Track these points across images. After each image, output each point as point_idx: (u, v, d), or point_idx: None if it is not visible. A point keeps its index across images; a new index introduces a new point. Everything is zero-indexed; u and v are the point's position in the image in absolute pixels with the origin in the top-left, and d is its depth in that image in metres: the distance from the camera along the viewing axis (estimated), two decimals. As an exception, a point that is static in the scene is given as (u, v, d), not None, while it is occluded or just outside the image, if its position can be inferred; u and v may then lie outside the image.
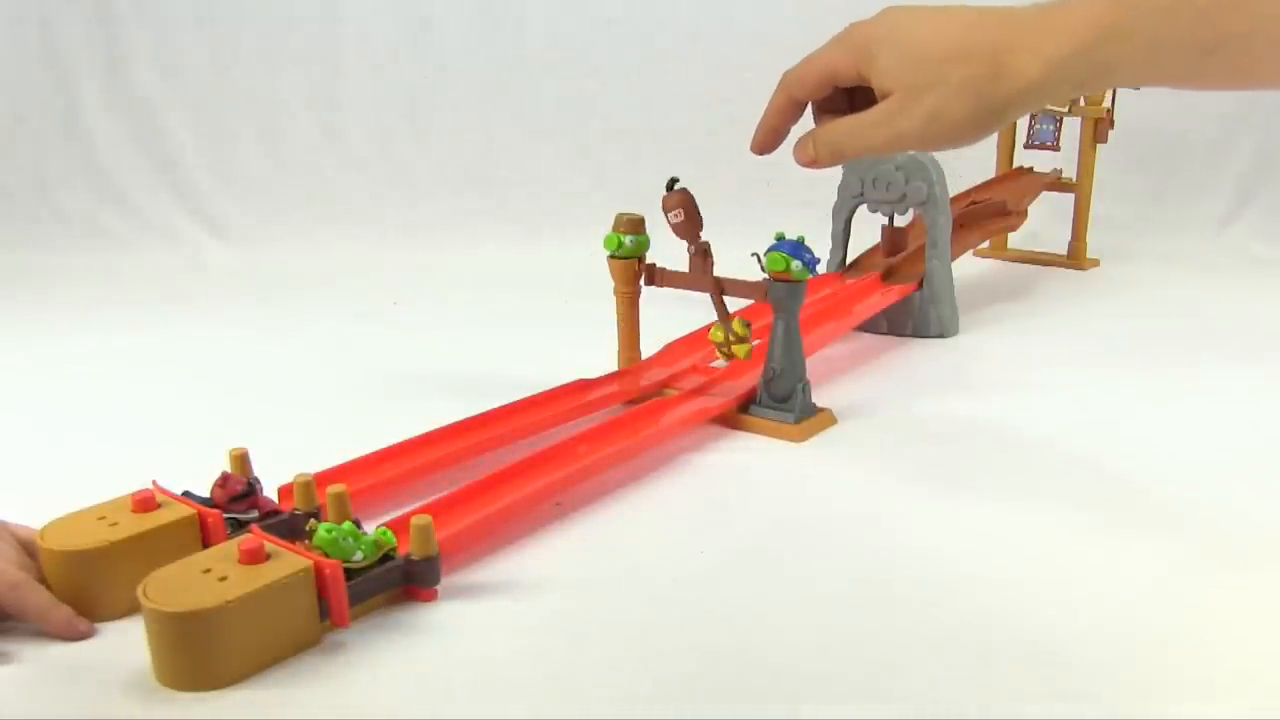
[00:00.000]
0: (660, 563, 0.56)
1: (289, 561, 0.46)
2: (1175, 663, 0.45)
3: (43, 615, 0.47)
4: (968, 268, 1.27)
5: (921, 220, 1.01)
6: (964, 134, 0.49)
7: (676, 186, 0.71)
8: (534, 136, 1.63)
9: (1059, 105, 0.46)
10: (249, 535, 0.47)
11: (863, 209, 1.04)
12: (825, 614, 0.50)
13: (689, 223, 0.72)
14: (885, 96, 0.49)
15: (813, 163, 0.53)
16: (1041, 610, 0.50)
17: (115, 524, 0.50)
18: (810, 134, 0.53)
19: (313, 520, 0.52)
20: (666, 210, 0.71)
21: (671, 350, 0.85)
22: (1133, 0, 0.45)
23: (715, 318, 0.75)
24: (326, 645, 0.47)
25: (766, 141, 0.55)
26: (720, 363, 0.81)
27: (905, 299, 0.98)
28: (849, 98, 0.52)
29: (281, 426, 0.76)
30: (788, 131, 0.55)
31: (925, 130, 0.48)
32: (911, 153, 1.00)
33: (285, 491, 0.57)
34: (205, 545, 0.51)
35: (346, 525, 0.49)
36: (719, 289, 0.74)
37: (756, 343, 0.76)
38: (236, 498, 0.53)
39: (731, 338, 0.74)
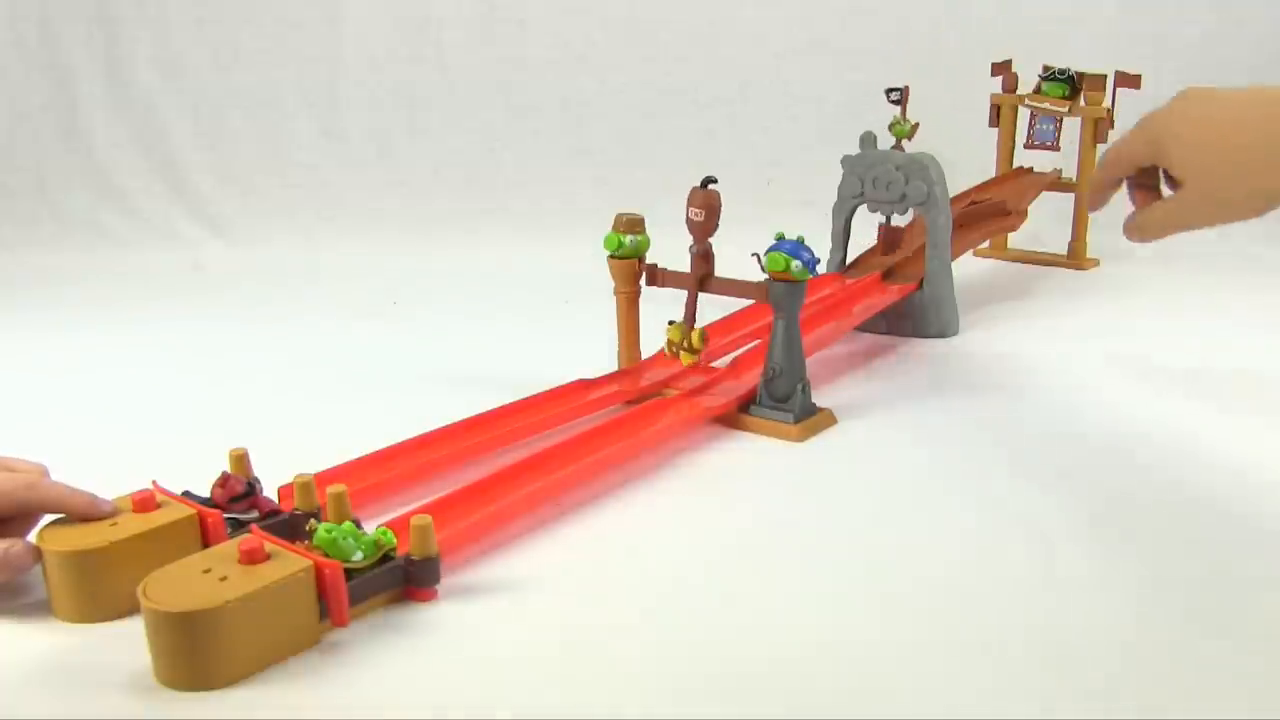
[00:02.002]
0: (660, 563, 0.56)
1: (289, 561, 0.46)
2: (1176, 663, 0.45)
3: (64, 503, 0.50)
4: (968, 268, 1.27)
5: (922, 220, 1.01)
6: (1249, 211, 0.54)
7: (710, 186, 0.71)
8: (534, 136, 1.63)
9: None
10: (249, 535, 0.47)
11: (863, 209, 1.04)
12: (825, 614, 0.50)
13: (705, 224, 0.72)
14: (1181, 184, 0.55)
15: (1142, 240, 0.60)
16: (1041, 610, 0.50)
17: (115, 524, 0.50)
18: (1134, 221, 0.60)
19: (313, 520, 0.52)
20: (690, 205, 0.72)
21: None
22: None
23: (716, 318, 0.75)
24: (326, 645, 0.47)
25: (1096, 205, 0.64)
26: (720, 363, 0.82)
27: (905, 299, 0.98)
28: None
29: (281, 426, 0.76)
30: (1110, 197, 0.63)
31: (1215, 216, 0.55)
32: (911, 152, 1.00)
33: (285, 491, 0.57)
34: (205, 545, 0.51)
35: (346, 525, 0.49)
36: (697, 291, 0.75)
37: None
38: (236, 498, 0.53)
39: (685, 344, 0.75)
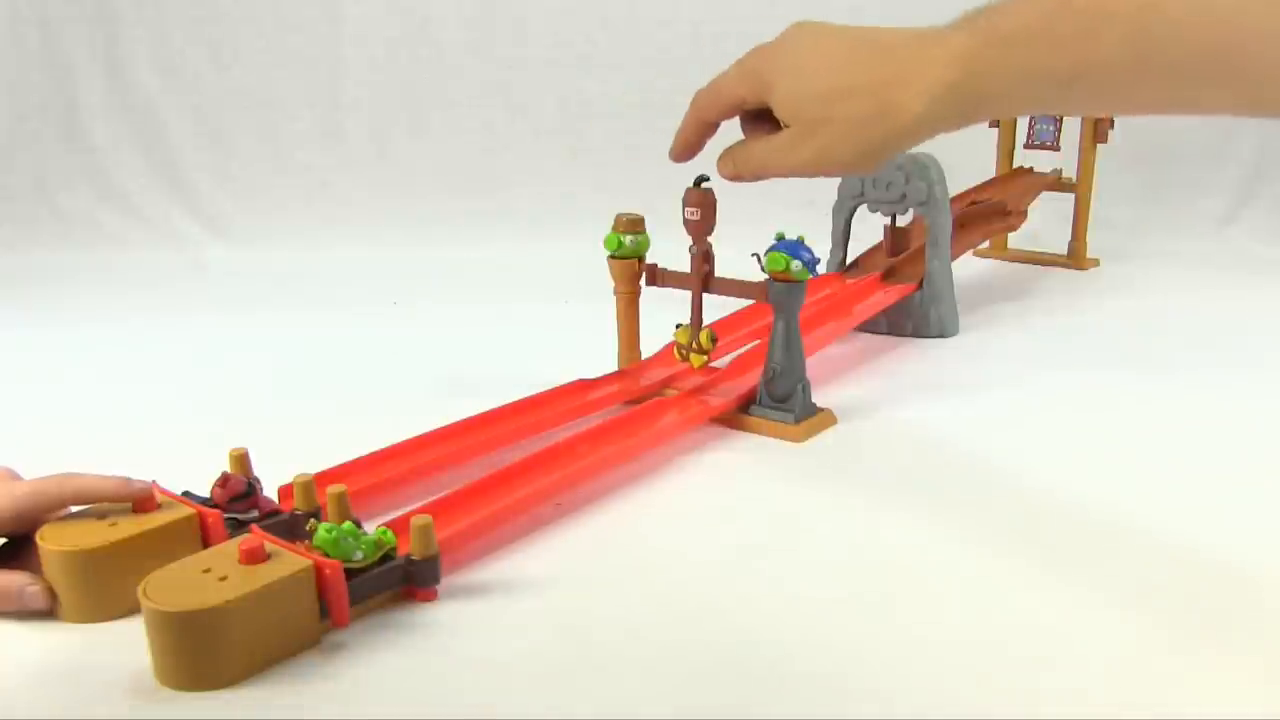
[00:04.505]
0: (660, 562, 0.56)
1: (289, 561, 0.46)
2: (1177, 664, 0.45)
3: (98, 491, 0.50)
4: (968, 268, 1.27)
5: (922, 220, 1.01)
6: (854, 167, 0.51)
7: (704, 185, 0.71)
8: (534, 136, 1.63)
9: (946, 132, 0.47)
10: (249, 535, 0.47)
11: (863, 209, 1.04)
12: (825, 614, 0.50)
13: (702, 223, 0.72)
14: (786, 125, 0.51)
15: (735, 177, 0.56)
16: (1042, 610, 0.50)
17: (115, 524, 0.50)
18: (730, 152, 0.55)
19: (313, 520, 0.52)
20: (686, 204, 0.72)
21: (672, 350, 0.85)
22: (996, 32, 0.45)
23: (716, 318, 0.75)
24: (326, 645, 0.47)
25: (682, 155, 0.58)
26: (720, 363, 0.82)
27: (905, 299, 0.98)
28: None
29: (281, 426, 0.76)
30: (703, 145, 0.58)
31: (818, 163, 0.51)
32: (912, 152, 1.00)
33: (285, 491, 0.57)
34: (205, 545, 0.51)
35: (346, 525, 0.49)
36: (701, 292, 0.75)
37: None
38: (236, 498, 0.53)
39: (694, 345, 0.75)
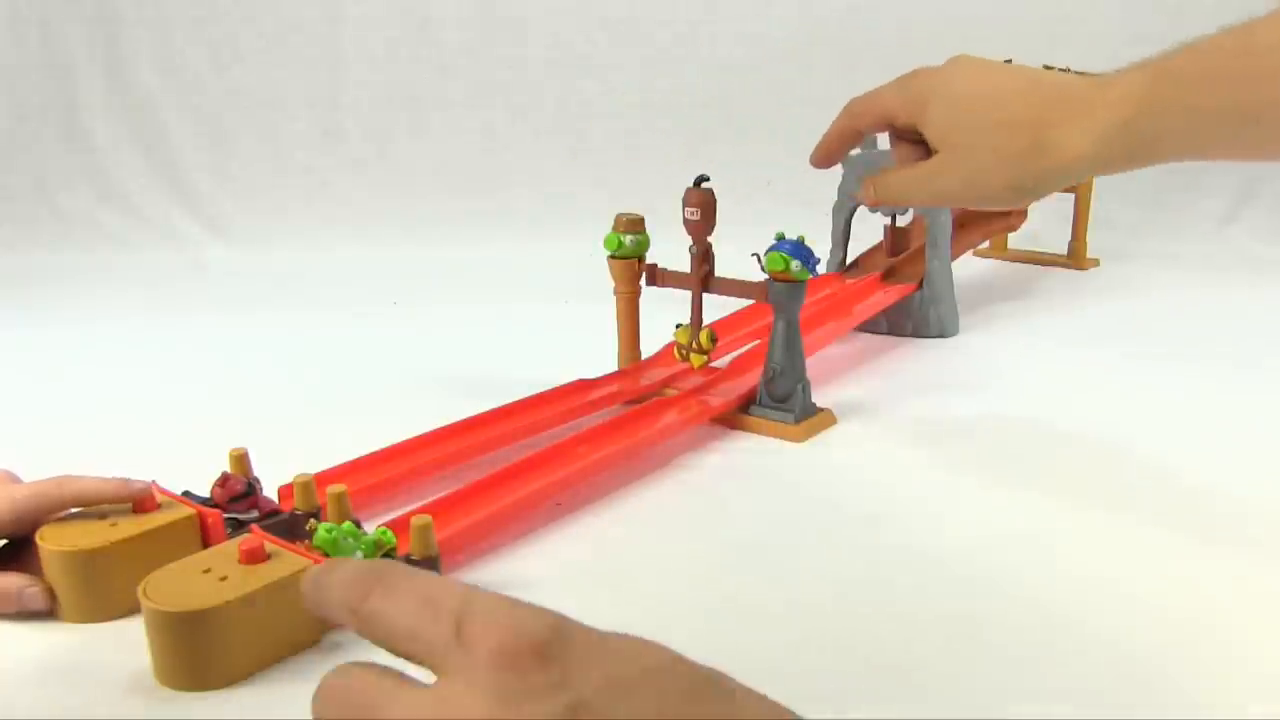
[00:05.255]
0: (660, 563, 0.56)
1: (289, 561, 0.46)
2: (1177, 664, 0.45)
3: (97, 493, 0.50)
4: (968, 268, 1.27)
5: (921, 220, 1.00)
6: (1002, 201, 0.50)
7: (704, 185, 0.71)
8: (534, 136, 1.63)
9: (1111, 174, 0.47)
10: (249, 535, 0.47)
11: (863, 209, 1.04)
12: (825, 614, 0.50)
13: (702, 223, 0.72)
14: (934, 149, 0.50)
15: (877, 204, 0.56)
16: (1042, 609, 0.50)
17: (115, 524, 0.50)
18: (873, 179, 0.55)
19: (313, 520, 0.52)
20: (686, 204, 0.72)
21: (672, 350, 0.85)
22: (1172, 72, 0.45)
23: (715, 318, 0.75)
24: (326, 645, 0.47)
25: (823, 161, 0.58)
26: (720, 363, 0.82)
27: (905, 299, 0.98)
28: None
29: (282, 426, 0.76)
30: (845, 153, 0.57)
31: (965, 193, 0.50)
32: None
33: (285, 491, 0.57)
34: (205, 545, 0.51)
35: (346, 525, 0.49)
36: (701, 292, 0.75)
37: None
38: (236, 498, 0.53)
39: (694, 345, 0.75)
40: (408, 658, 0.27)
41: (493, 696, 0.25)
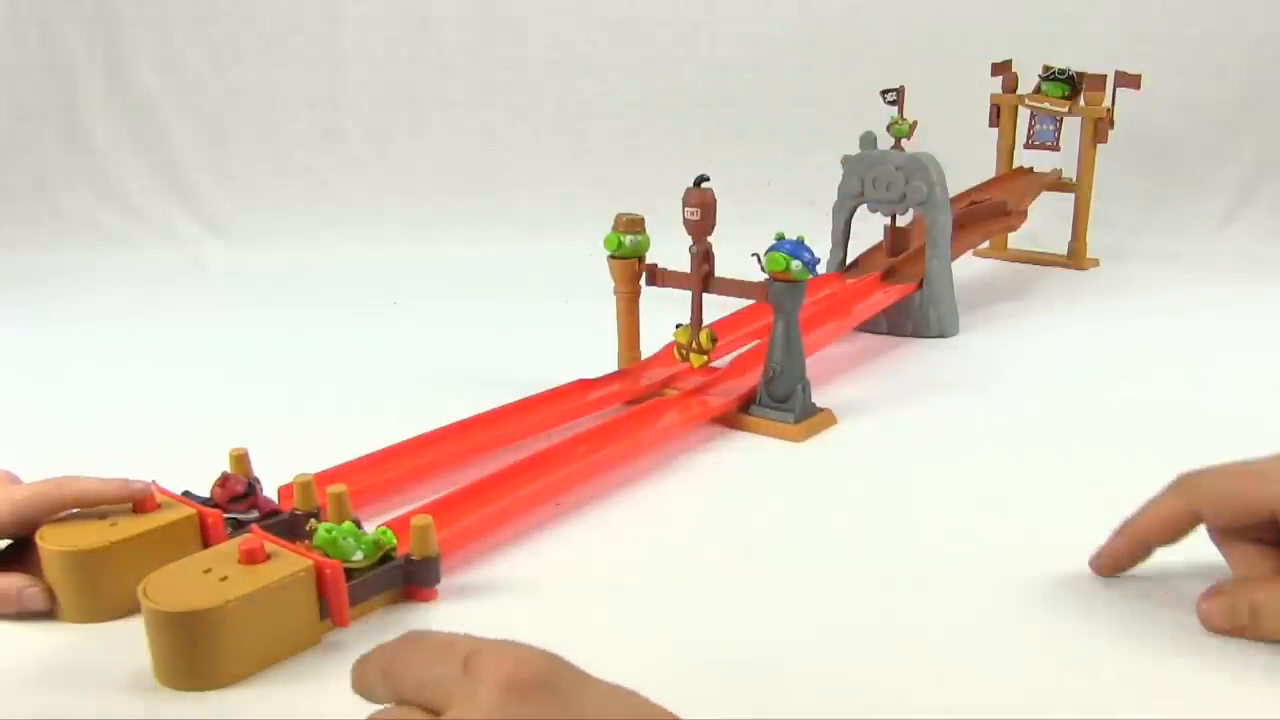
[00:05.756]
0: (660, 563, 0.56)
1: (289, 561, 0.46)
2: (1176, 664, 0.45)
3: (98, 493, 0.50)
4: (968, 268, 1.27)
5: (922, 220, 1.00)
6: None
7: (704, 185, 0.71)
8: (534, 136, 1.63)
9: None
10: (249, 535, 0.47)
11: (863, 209, 1.04)
12: (825, 614, 0.50)
13: (702, 223, 0.73)
14: None
15: (1239, 632, 0.45)
16: (1042, 610, 0.50)
17: (115, 524, 0.50)
18: (1240, 596, 0.45)
19: (313, 520, 0.52)
20: (686, 204, 0.72)
21: (671, 350, 0.85)
22: None
23: (715, 318, 0.75)
24: (326, 645, 0.47)
25: (1110, 570, 0.51)
26: (720, 363, 0.82)
27: (905, 299, 0.98)
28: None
29: (281, 426, 0.76)
30: (1134, 566, 0.50)
31: None
32: (912, 152, 1.00)
33: (285, 491, 0.57)
34: (205, 545, 0.51)
35: (346, 525, 0.49)
36: (701, 292, 0.75)
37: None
38: (236, 498, 0.53)
39: (694, 345, 0.75)
40: (426, 702, 0.31)
41: (498, 717, 0.28)
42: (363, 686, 0.35)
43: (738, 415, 0.75)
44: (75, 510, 0.51)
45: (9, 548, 0.51)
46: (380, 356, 0.97)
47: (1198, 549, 0.50)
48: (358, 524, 0.50)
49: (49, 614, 0.49)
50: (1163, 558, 0.51)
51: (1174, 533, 0.48)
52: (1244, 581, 0.46)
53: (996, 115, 1.38)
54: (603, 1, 1.63)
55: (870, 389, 0.84)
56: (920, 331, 0.99)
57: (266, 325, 1.09)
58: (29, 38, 1.56)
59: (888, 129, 1.07)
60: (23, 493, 0.49)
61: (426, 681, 0.31)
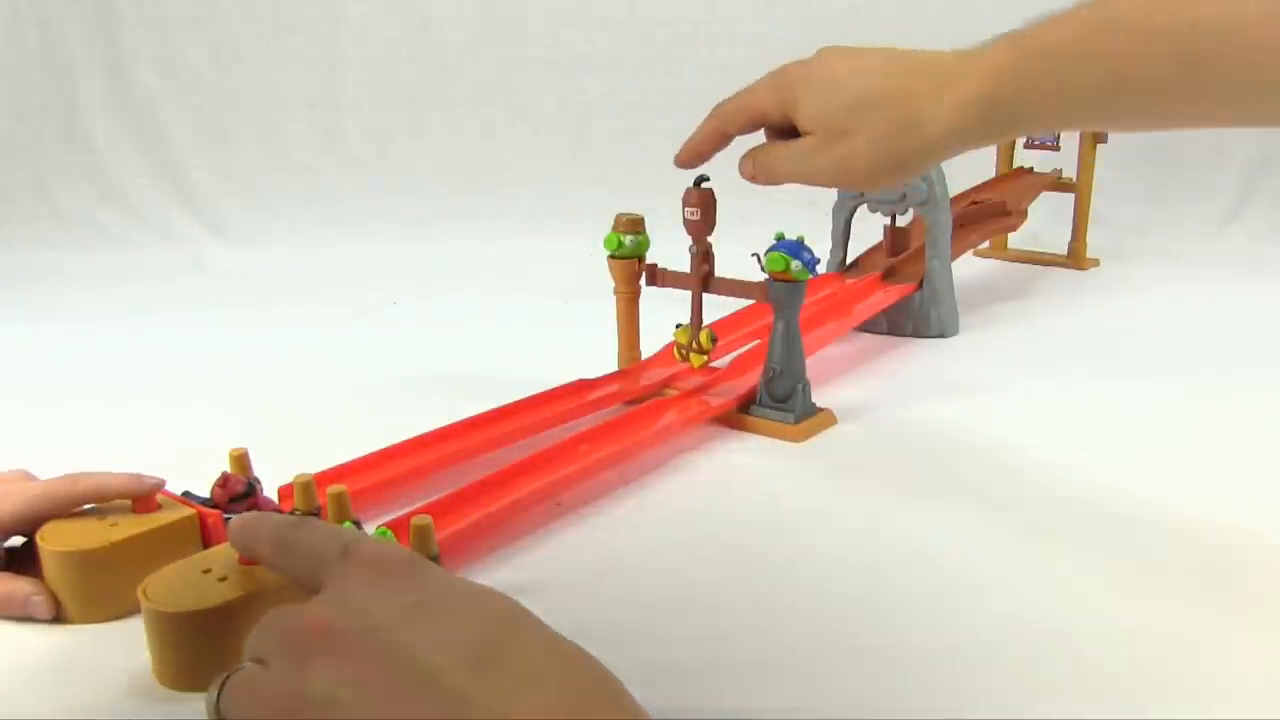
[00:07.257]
0: (660, 563, 0.56)
1: (289, 561, 0.46)
2: (1177, 664, 0.45)
3: (109, 487, 0.50)
4: (968, 268, 1.27)
5: (922, 220, 1.01)
6: (876, 180, 0.50)
7: (704, 185, 0.71)
8: (534, 136, 1.63)
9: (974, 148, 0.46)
10: (249, 535, 0.47)
11: (863, 209, 1.04)
12: (825, 614, 0.50)
13: (702, 223, 0.73)
14: (810, 134, 0.51)
15: (753, 179, 0.56)
16: (1041, 611, 0.50)
17: (115, 524, 0.50)
18: (752, 153, 0.56)
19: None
20: (686, 204, 0.72)
21: (671, 350, 0.85)
22: (1033, 46, 0.45)
23: (715, 318, 0.75)
24: (326, 645, 0.47)
25: (690, 162, 0.59)
26: (720, 362, 0.82)
27: (905, 299, 0.98)
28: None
29: (281, 426, 0.76)
30: (712, 155, 0.58)
31: (838, 173, 0.50)
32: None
33: (285, 491, 0.57)
34: (205, 545, 0.51)
35: (346, 525, 0.49)
36: (701, 292, 0.75)
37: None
38: (236, 498, 0.53)
39: (694, 345, 0.75)
40: (305, 578, 0.34)
41: (359, 591, 0.31)
42: (246, 546, 0.38)
43: (738, 415, 0.75)
44: (82, 508, 0.51)
45: (25, 545, 0.51)
46: (380, 356, 0.97)
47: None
48: (358, 524, 0.50)
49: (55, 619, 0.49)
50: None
51: (717, 143, 0.58)
52: (755, 147, 0.56)
53: (997, 115, 1.38)
54: (603, 1, 1.63)
55: (870, 389, 0.84)
56: (920, 331, 0.99)
57: (266, 325, 1.09)
58: (29, 38, 1.56)
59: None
60: (37, 489, 0.50)
61: (314, 553, 0.34)
